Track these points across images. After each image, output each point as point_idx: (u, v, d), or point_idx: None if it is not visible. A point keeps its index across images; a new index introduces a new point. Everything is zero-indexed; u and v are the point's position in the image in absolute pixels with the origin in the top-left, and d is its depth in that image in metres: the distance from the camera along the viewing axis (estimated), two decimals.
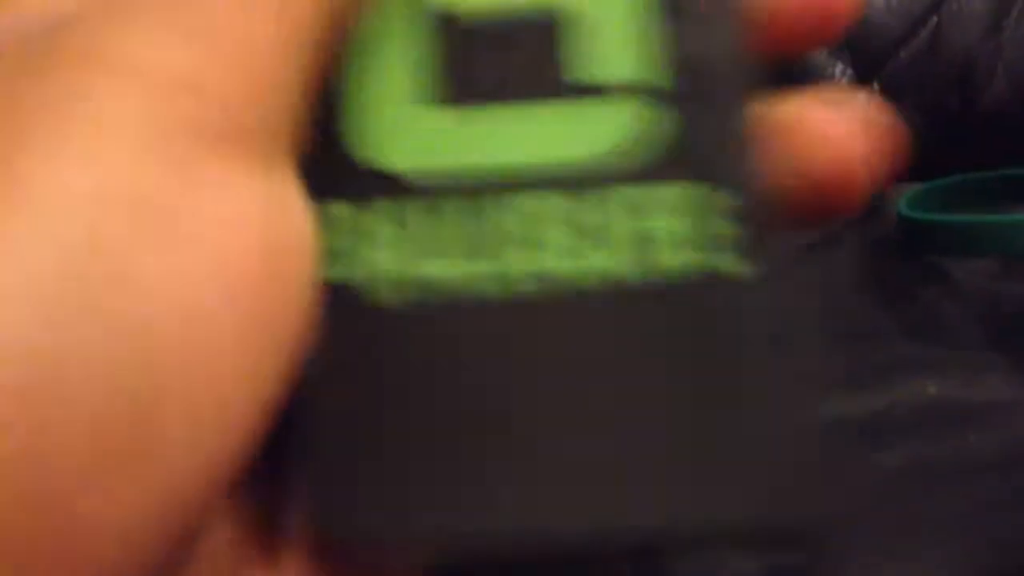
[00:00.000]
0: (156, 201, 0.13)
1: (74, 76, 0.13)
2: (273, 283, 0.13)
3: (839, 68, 0.63)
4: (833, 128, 0.17)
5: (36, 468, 0.11)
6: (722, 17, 0.16)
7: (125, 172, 0.13)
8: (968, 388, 0.37)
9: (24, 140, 0.12)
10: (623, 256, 0.15)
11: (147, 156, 0.13)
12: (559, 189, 0.16)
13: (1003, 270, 0.47)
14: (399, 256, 0.16)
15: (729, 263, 0.15)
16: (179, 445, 0.12)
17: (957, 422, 0.35)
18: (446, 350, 0.15)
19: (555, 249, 0.15)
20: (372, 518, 0.15)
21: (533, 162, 0.16)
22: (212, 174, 0.13)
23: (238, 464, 0.13)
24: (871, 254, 0.52)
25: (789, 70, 0.66)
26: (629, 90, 0.16)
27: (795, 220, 0.16)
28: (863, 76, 0.63)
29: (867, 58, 0.63)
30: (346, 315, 0.15)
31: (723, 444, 0.15)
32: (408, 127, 0.16)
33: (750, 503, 0.15)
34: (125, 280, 0.12)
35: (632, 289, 0.15)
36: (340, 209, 0.16)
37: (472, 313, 0.15)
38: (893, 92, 0.63)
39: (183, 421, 0.12)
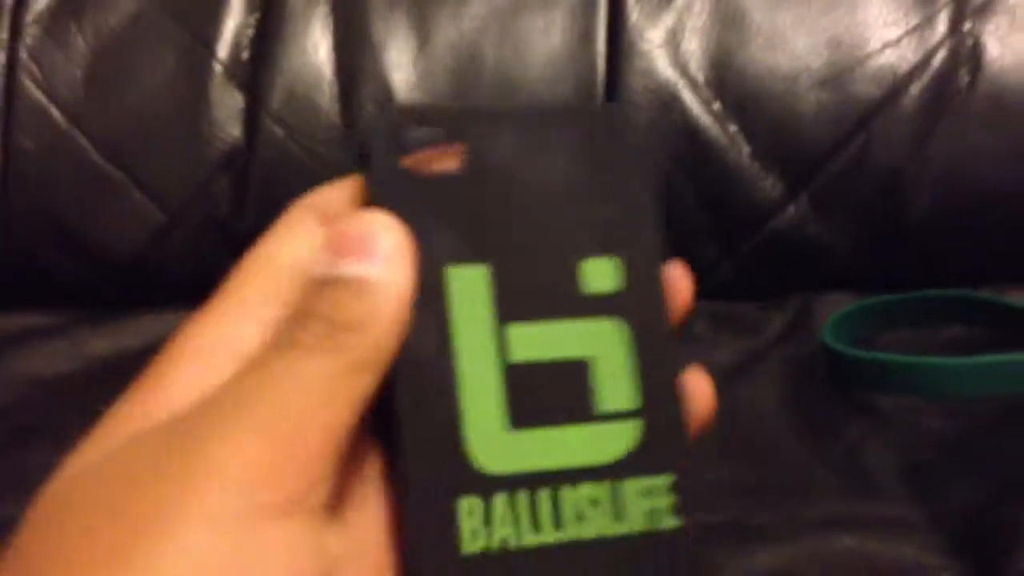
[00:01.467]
0: (240, 563, 0.22)
1: (185, 478, 0.22)
2: None
3: (769, 181, 0.64)
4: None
5: None
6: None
7: (217, 547, 0.22)
8: (882, 545, 0.37)
9: (146, 525, 0.22)
10: (620, 522, 0.27)
11: (232, 532, 0.22)
12: (588, 481, 0.27)
13: (923, 407, 0.48)
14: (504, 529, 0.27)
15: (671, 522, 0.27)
16: None
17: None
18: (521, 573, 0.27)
19: (586, 521, 0.27)
20: None
21: (572, 465, 0.27)
22: (272, 537, 0.22)
23: None
24: (796, 380, 0.53)
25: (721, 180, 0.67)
26: (624, 416, 0.27)
27: None
28: (793, 188, 0.64)
29: (797, 171, 0.64)
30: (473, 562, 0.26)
31: None
32: (499, 445, 0.27)
33: None
34: None
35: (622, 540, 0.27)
36: (471, 502, 0.26)
37: (536, 556, 0.27)
38: (822, 205, 0.64)
39: None
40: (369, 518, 0.26)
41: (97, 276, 0.64)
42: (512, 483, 0.26)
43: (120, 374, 0.25)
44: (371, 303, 0.25)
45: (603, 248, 0.28)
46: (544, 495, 0.27)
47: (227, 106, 0.64)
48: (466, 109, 0.28)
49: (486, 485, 0.26)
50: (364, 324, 0.24)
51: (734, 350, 0.58)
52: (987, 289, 0.59)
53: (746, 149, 0.64)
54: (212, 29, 0.65)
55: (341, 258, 0.25)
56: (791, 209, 0.64)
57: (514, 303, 0.27)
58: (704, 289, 0.66)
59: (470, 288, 0.27)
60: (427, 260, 0.26)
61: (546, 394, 0.27)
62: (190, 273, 0.63)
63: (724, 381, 0.55)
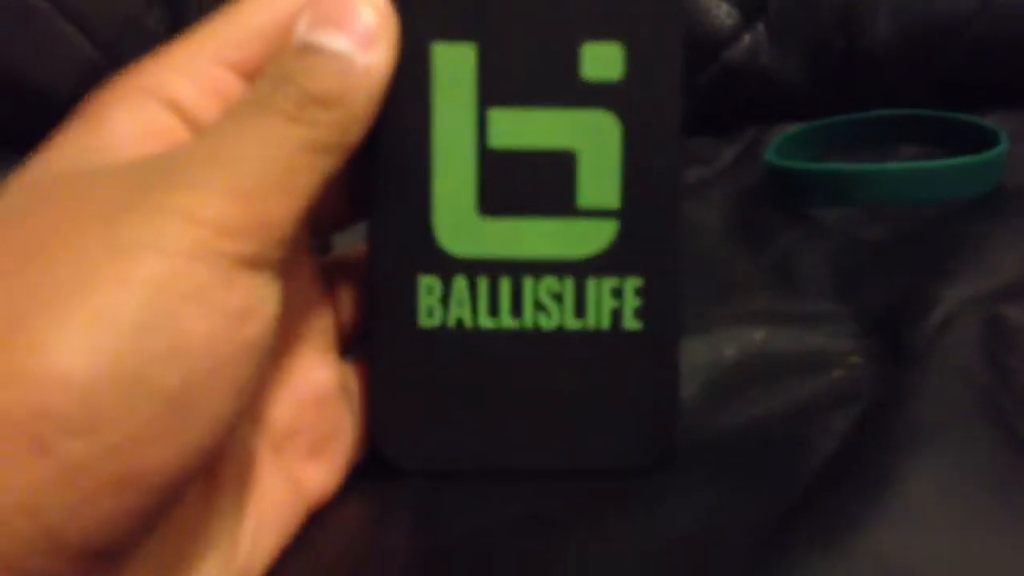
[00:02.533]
0: (190, 292, 0.22)
1: (148, 219, 0.22)
2: (244, 342, 0.23)
3: (724, 9, 0.62)
4: None
5: (127, 430, 0.21)
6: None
7: (170, 276, 0.22)
8: (796, 339, 0.36)
9: (104, 251, 0.22)
10: (581, 318, 0.28)
11: (186, 266, 0.22)
12: (553, 275, 0.27)
13: (868, 216, 0.47)
14: (461, 310, 0.27)
15: (634, 324, 0.28)
16: (199, 419, 0.22)
17: (776, 370, 0.34)
18: (474, 352, 0.28)
19: (545, 312, 0.28)
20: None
21: (540, 256, 0.28)
22: (222, 279, 0.23)
23: (227, 426, 0.23)
24: (740, 201, 0.52)
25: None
26: (603, 214, 0.27)
27: None
28: (748, 16, 0.62)
29: (752, 1, 0.62)
30: (429, 336, 0.28)
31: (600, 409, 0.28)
32: (466, 229, 0.27)
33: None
34: (178, 350, 0.22)
35: (582, 334, 0.28)
36: (430, 280, 0.27)
37: (492, 338, 0.28)
38: (776, 34, 0.62)
39: (201, 407, 0.22)
40: (303, 288, 0.28)
41: (29, 117, 0.62)
42: (474, 267, 0.26)
43: None
44: (344, 81, 0.24)
45: (608, 32, 0.26)
46: (505, 282, 0.27)
47: None
48: None
49: (447, 266, 0.26)
50: (335, 101, 0.24)
51: (687, 178, 0.57)
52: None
53: None
54: None
55: (321, 25, 0.24)
56: (746, 39, 0.62)
57: (501, 86, 0.26)
58: None
59: (455, 67, 0.26)
60: (412, 35, 0.26)
61: (523, 183, 0.27)
62: None
63: None
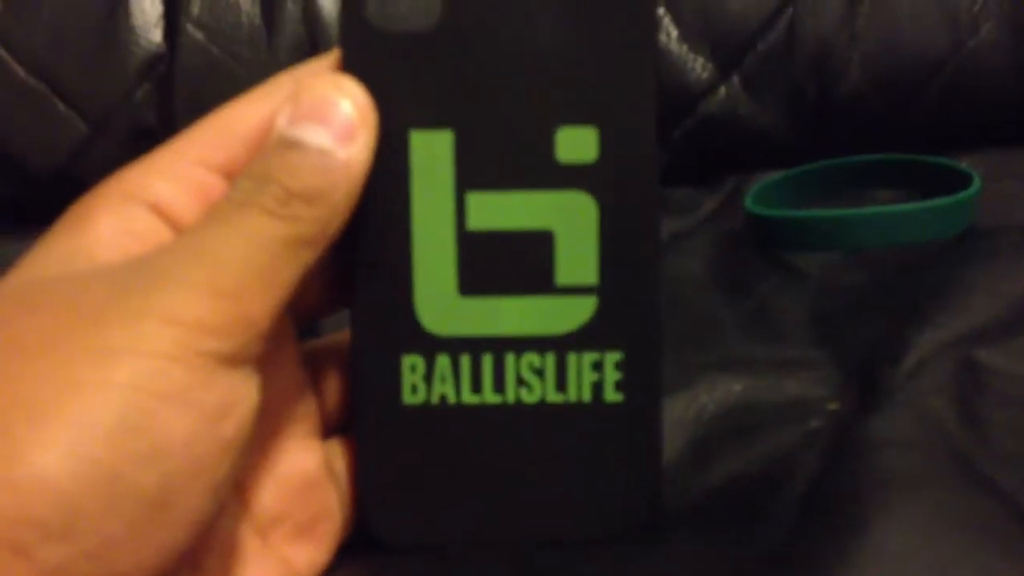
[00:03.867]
0: (169, 393, 0.23)
1: (128, 321, 0.23)
2: (223, 439, 0.24)
3: (699, 63, 0.63)
4: None
5: (106, 532, 0.21)
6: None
7: (148, 378, 0.22)
8: (774, 388, 0.37)
9: (84, 355, 0.22)
10: (562, 392, 0.28)
11: (165, 367, 0.23)
12: (534, 351, 0.28)
13: (847, 261, 0.48)
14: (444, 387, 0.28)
15: (614, 396, 0.28)
16: (177, 519, 0.23)
17: (755, 422, 0.35)
18: (458, 428, 0.28)
19: (527, 387, 0.28)
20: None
21: (520, 333, 0.28)
22: (212, 381, 0.23)
23: (205, 523, 0.24)
24: (721, 249, 0.53)
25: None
26: (582, 291, 0.28)
27: None
28: (723, 70, 0.63)
29: (726, 51, 0.63)
30: (413, 413, 0.28)
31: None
32: (447, 309, 0.28)
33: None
34: (156, 451, 0.22)
35: (564, 407, 0.28)
36: (413, 359, 0.28)
37: (476, 414, 0.28)
38: (753, 85, 0.63)
39: (178, 507, 0.23)
40: (286, 375, 0.28)
41: (22, 191, 0.63)
42: (456, 345, 0.27)
43: None
44: (326, 177, 0.25)
45: (583, 116, 0.27)
46: (487, 359, 0.27)
47: (147, 12, 0.64)
48: None
49: (430, 345, 0.27)
50: (317, 197, 0.25)
51: (666, 229, 0.58)
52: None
53: (674, 32, 0.63)
54: None
55: (301, 120, 0.25)
56: (722, 91, 0.63)
57: (478, 171, 0.27)
58: None
59: (433, 154, 0.27)
60: (390, 124, 0.26)
61: (502, 263, 0.27)
62: None
63: None
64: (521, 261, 0.28)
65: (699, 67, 0.63)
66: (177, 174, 0.26)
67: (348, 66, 0.26)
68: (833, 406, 0.35)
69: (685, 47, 0.63)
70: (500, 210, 0.27)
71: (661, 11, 0.63)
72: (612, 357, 0.27)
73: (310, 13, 0.63)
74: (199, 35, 0.63)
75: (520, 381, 0.28)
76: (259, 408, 0.25)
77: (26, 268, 0.25)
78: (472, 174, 0.27)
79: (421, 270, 0.27)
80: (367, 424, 0.28)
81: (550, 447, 0.28)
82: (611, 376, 0.27)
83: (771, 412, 0.35)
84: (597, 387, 0.27)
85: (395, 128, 0.27)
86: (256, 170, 0.25)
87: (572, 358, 0.27)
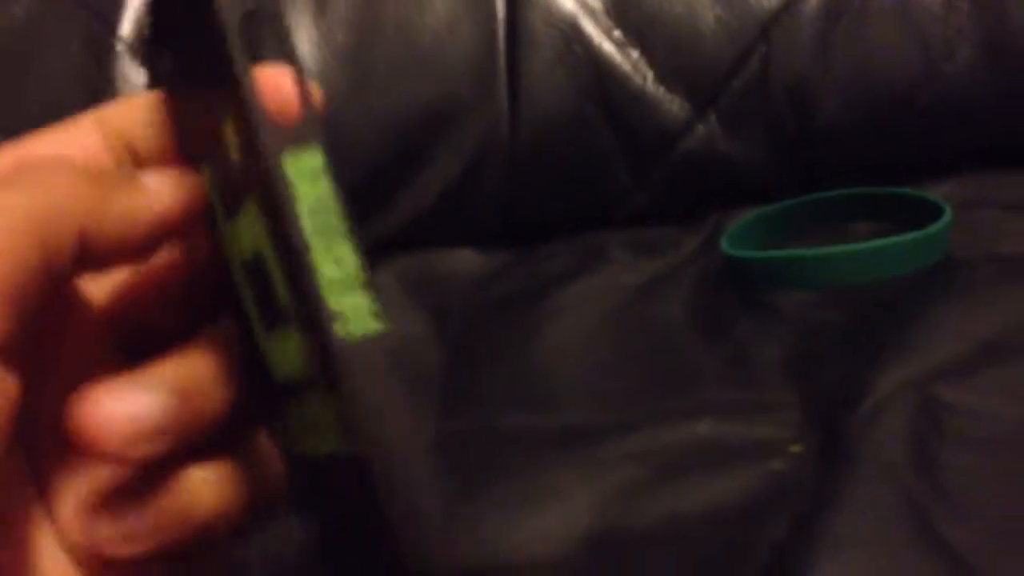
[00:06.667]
0: None
1: None
2: None
3: (676, 104, 0.64)
4: None
5: None
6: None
7: None
8: (742, 430, 0.37)
9: None
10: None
11: None
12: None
13: (820, 300, 0.48)
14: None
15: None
16: None
17: (718, 461, 0.35)
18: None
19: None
20: None
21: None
22: None
23: None
24: (699, 291, 0.53)
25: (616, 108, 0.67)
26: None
27: None
28: (699, 108, 0.64)
29: (702, 90, 0.64)
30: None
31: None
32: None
33: None
34: None
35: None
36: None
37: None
38: (730, 122, 0.64)
39: None
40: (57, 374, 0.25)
41: None
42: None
43: None
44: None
45: None
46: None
47: (132, 84, 0.65)
48: None
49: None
50: None
51: (645, 272, 0.58)
52: (904, 188, 0.59)
53: (650, 74, 0.64)
54: (113, 8, 0.66)
55: None
56: (700, 129, 0.64)
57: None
58: (620, 216, 0.66)
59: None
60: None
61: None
62: None
63: (633, 301, 0.55)
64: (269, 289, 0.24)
65: (676, 107, 0.64)
66: None
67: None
68: (795, 448, 0.35)
69: (661, 88, 0.64)
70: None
71: (636, 55, 0.64)
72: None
73: None
74: None
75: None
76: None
77: None
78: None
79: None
80: None
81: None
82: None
83: (735, 451, 0.35)
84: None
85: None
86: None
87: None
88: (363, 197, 0.66)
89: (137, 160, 0.27)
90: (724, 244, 0.53)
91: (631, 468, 0.34)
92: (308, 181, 0.22)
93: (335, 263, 0.22)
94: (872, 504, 0.28)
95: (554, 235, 0.64)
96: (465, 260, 0.64)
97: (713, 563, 0.29)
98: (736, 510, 0.32)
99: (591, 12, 0.64)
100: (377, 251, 0.65)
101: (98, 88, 0.65)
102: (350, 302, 0.21)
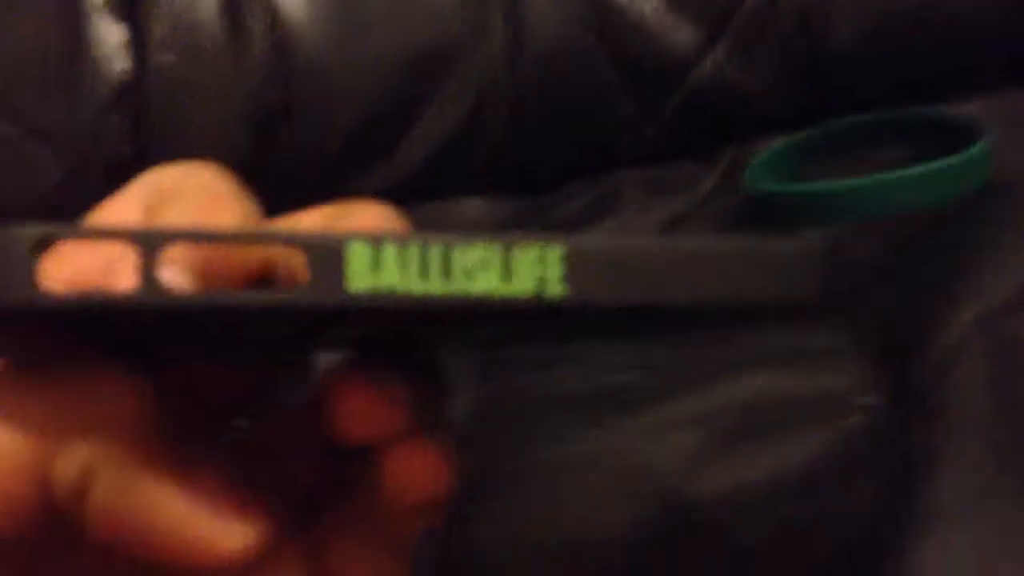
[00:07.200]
0: None
1: None
2: None
3: (684, 32, 0.61)
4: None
5: None
6: None
7: None
8: (800, 381, 0.35)
9: None
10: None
11: None
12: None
13: (851, 234, 0.46)
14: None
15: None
16: None
17: (783, 419, 0.33)
18: None
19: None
20: None
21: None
22: None
23: None
24: (724, 225, 0.51)
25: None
26: None
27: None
28: (710, 36, 0.61)
29: (711, 16, 0.61)
30: None
31: None
32: None
33: None
34: None
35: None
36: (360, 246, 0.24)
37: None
38: (741, 49, 0.61)
39: None
40: None
41: None
42: (404, 239, 0.25)
43: None
44: None
45: None
46: (435, 251, 0.26)
47: (110, 42, 0.62)
48: None
49: (377, 236, 0.25)
50: None
51: (665, 211, 0.56)
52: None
53: (657, 2, 0.61)
54: None
55: None
56: (709, 59, 0.61)
57: None
58: (631, 156, 0.64)
59: None
60: None
61: None
62: None
63: None
64: None
65: (684, 35, 0.61)
66: None
67: None
68: (866, 400, 0.33)
69: (670, 16, 0.61)
70: None
71: None
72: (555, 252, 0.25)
73: (276, 23, 0.61)
74: (167, 58, 0.61)
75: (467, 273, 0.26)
76: None
77: None
78: None
79: None
80: None
81: None
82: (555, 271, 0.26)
83: (802, 407, 0.33)
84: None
85: None
86: None
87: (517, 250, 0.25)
88: (362, 147, 0.63)
89: None
90: (747, 179, 0.50)
91: (684, 434, 0.32)
92: None
93: None
94: (969, 466, 0.26)
95: (563, 179, 0.62)
96: (475, 209, 0.61)
97: (792, 539, 0.28)
98: (811, 477, 0.30)
99: None
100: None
101: (75, 45, 0.61)
102: None
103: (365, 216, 0.24)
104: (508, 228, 0.61)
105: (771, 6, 0.60)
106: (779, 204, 0.48)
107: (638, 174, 0.61)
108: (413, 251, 0.25)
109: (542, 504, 0.33)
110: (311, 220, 0.24)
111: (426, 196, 0.64)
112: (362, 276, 0.23)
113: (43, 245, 0.20)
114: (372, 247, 0.24)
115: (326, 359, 0.27)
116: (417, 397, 0.23)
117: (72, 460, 0.20)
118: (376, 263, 0.25)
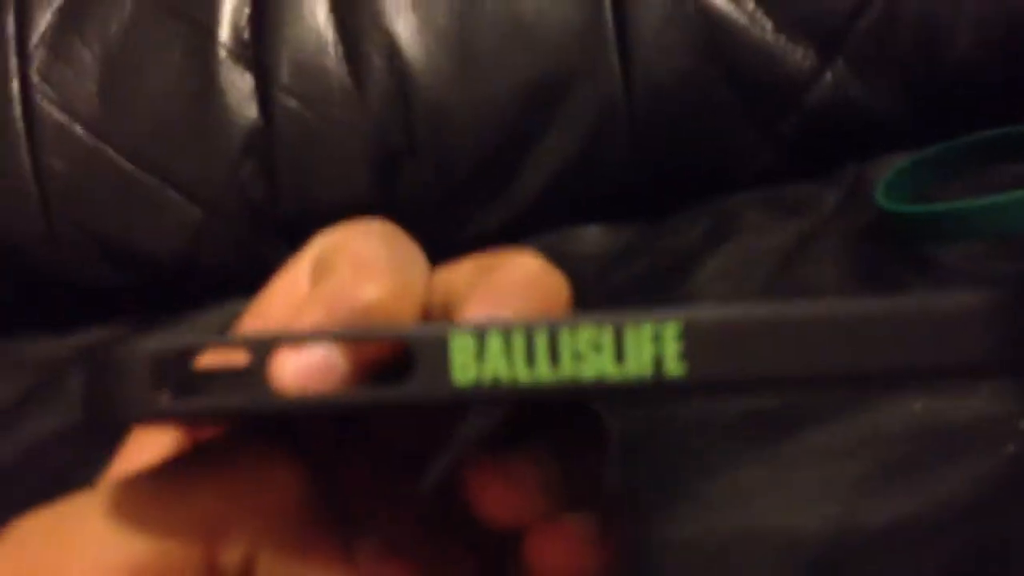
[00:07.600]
0: None
1: None
2: None
3: (800, 53, 0.61)
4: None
5: None
6: None
7: None
8: (960, 403, 0.35)
9: None
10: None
11: None
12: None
13: (990, 251, 0.45)
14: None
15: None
16: None
17: (943, 447, 0.33)
18: None
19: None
20: None
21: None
22: None
23: None
24: (854, 250, 0.51)
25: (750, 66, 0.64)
26: None
27: None
28: (826, 55, 0.61)
29: (826, 36, 0.61)
30: None
31: None
32: None
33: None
34: None
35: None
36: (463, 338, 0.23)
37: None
38: (859, 66, 0.61)
39: None
40: None
41: (145, 282, 0.64)
42: (508, 327, 0.24)
43: None
44: None
45: None
46: (541, 336, 0.25)
47: (238, 88, 0.64)
48: None
49: (481, 326, 0.24)
50: None
51: (790, 232, 0.56)
52: None
53: (769, 24, 0.61)
54: (210, 15, 0.65)
55: None
56: (827, 77, 0.61)
57: None
58: (749, 177, 0.64)
59: None
60: None
61: None
62: (234, 264, 0.64)
63: (782, 265, 0.53)
64: None
65: (799, 56, 0.61)
66: None
67: None
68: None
69: (783, 37, 0.61)
70: None
71: (752, 6, 0.61)
72: (671, 328, 0.24)
73: (396, 65, 0.63)
74: (292, 103, 0.63)
75: (577, 356, 0.25)
76: None
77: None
78: None
79: None
80: None
81: None
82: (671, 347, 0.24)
83: (959, 435, 0.33)
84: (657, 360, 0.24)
85: None
86: None
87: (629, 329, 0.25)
88: (483, 180, 0.64)
89: None
90: (879, 197, 0.50)
91: (846, 462, 0.32)
92: None
93: None
94: None
95: (682, 204, 0.62)
96: (594, 238, 0.62)
97: (960, 572, 0.28)
98: (976, 507, 0.30)
99: None
100: (501, 237, 0.63)
101: (206, 94, 0.64)
102: None
103: (515, 267, 0.23)
104: (626, 257, 0.61)
105: (887, 22, 0.60)
106: (914, 222, 0.47)
107: (757, 196, 0.61)
108: (518, 338, 0.25)
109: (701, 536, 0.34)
110: (466, 270, 0.24)
111: (545, 225, 0.65)
112: (467, 368, 0.23)
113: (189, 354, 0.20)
114: (476, 338, 0.23)
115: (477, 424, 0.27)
116: (570, 468, 0.22)
117: (236, 547, 0.20)
118: (481, 353, 0.24)
